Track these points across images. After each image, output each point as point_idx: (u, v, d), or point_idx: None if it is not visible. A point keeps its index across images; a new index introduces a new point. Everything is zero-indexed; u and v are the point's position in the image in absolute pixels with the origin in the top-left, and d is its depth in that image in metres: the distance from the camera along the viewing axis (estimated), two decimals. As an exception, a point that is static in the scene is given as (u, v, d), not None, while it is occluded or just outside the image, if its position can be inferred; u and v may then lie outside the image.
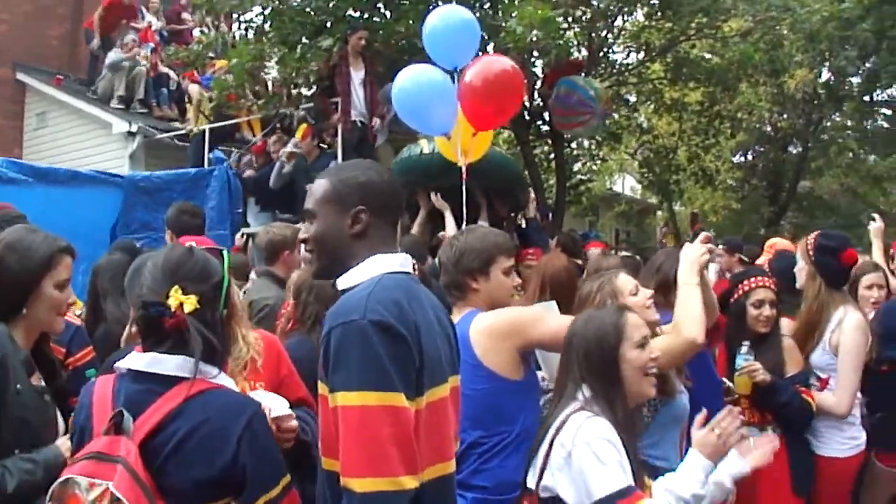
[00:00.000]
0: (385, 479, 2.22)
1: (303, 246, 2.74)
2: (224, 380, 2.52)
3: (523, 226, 8.64)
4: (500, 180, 7.91)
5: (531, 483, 3.09)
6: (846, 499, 4.83)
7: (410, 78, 6.50)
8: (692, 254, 3.81)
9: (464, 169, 6.86)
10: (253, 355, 3.24)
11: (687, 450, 3.12)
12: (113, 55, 15.31)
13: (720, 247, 8.40)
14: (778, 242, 8.18)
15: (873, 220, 6.38)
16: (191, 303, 2.41)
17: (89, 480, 2.25)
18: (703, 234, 4.00)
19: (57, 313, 3.11)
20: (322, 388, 2.40)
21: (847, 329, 4.73)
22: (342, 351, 2.29)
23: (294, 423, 2.98)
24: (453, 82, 6.61)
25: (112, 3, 15.73)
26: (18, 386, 2.83)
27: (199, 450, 2.35)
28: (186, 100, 14.52)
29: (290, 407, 3.11)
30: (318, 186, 2.60)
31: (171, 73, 15.67)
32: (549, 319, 3.72)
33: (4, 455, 2.76)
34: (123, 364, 2.47)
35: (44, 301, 3.04)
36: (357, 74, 10.78)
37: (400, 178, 6.58)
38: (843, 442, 4.79)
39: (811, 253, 4.93)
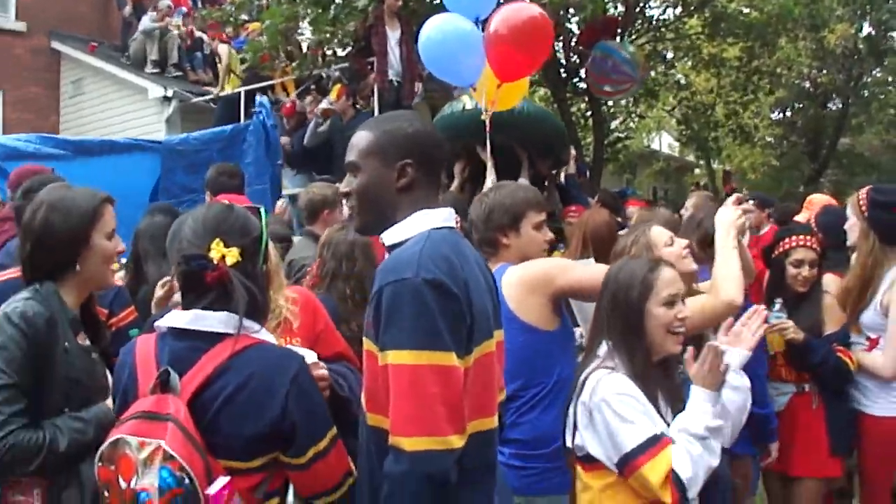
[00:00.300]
0: (434, 437, 2.22)
1: (344, 203, 2.69)
2: (266, 335, 2.51)
3: (564, 183, 8.55)
4: (542, 136, 7.76)
5: (568, 442, 3.13)
6: (893, 458, 4.69)
7: (437, 27, 6.36)
8: (728, 217, 3.74)
9: (487, 122, 6.69)
10: (286, 315, 3.23)
11: None
12: (146, 21, 15.37)
13: (750, 202, 8.28)
14: (816, 198, 8.01)
15: None
16: (233, 255, 2.39)
17: (139, 440, 2.25)
18: (734, 196, 3.92)
19: (108, 265, 3.08)
20: (369, 344, 2.38)
21: None
22: (394, 309, 2.26)
23: (323, 371, 2.96)
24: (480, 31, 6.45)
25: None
26: (67, 344, 2.81)
27: (248, 405, 2.34)
28: (217, 61, 14.53)
29: (328, 361, 3.11)
30: (362, 138, 2.54)
31: (205, 37, 15.70)
32: (578, 268, 3.72)
33: (54, 414, 2.75)
34: (164, 322, 2.46)
35: (96, 254, 3.00)
36: (393, 34, 10.74)
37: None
38: (891, 400, 4.64)
39: (864, 208, 4.77)
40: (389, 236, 2.50)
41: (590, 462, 3.06)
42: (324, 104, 11.01)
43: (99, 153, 9.45)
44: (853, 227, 4.83)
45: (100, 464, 2.32)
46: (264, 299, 2.56)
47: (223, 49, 13.99)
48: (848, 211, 4.91)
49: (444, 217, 2.50)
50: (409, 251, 2.35)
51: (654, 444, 2.86)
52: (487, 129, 6.67)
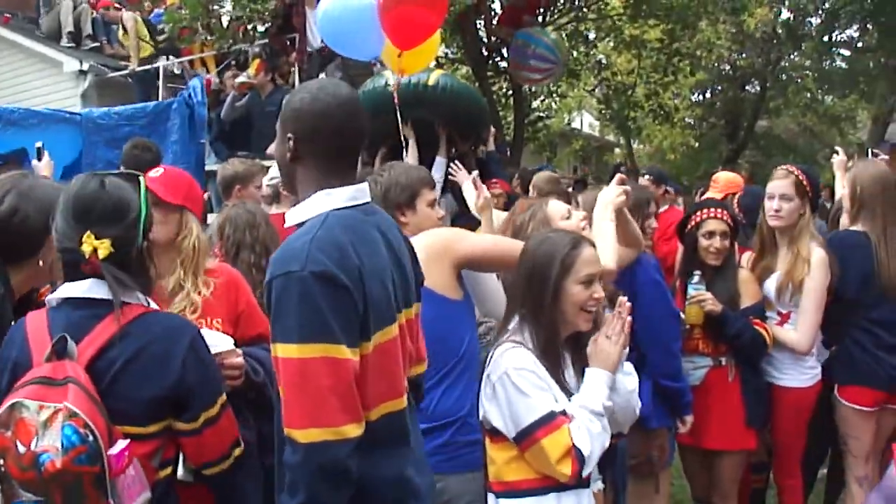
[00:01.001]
0: (327, 428, 2.21)
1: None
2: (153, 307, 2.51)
3: (485, 158, 8.61)
4: (464, 112, 7.76)
5: (481, 415, 3.13)
6: (804, 428, 4.83)
7: (333, 2, 6.28)
8: (607, 196, 3.84)
9: (395, 96, 6.69)
10: (206, 295, 3.18)
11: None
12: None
13: (646, 177, 8.44)
14: (721, 176, 8.19)
15: (836, 153, 6.29)
16: (104, 247, 2.36)
17: (38, 403, 2.22)
18: (617, 177, 4.02)
19: None
20: None
21: (812, 265, 4.74)
22: (282, 303, 2.25)
23: (238, 360, 2.96)
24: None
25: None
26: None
27: (147, 369, 2.36)
28: (120, 31, 14.17)
29: (248, 343, 3.11)
30: (283, 108, 2.54)
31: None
32: (476, 237, 3.77)
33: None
34: (58, 294, 2.45)
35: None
36: (312, 13, 10.63)
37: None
38: (803, 372, 4.75)
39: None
40: (291, 217, 2.48)
41: (495, 435, 3.06)
42: (241, 78, 10.89)
43: (17, 123, 9.22)
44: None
45: None
46: (146, 277, 2.53)
47: (128, 17, 13.62)
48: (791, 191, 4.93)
49: (346, 196, 2.44)
50: (300, 240, 2.31)
51: (548, 422, 2.87)
52: (395, 101, 6.65)
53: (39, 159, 5.22)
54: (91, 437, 2.20)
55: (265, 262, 4.10)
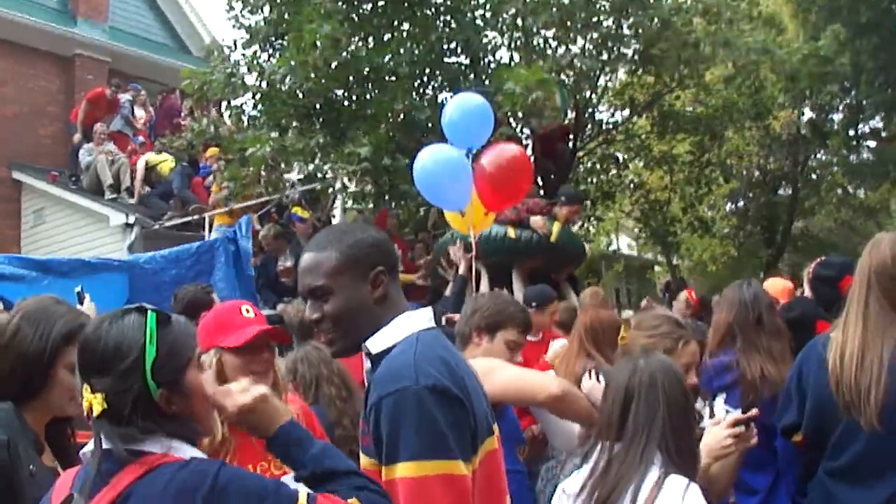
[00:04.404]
0: None
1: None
2: (190, 451, 2.23)
3: None
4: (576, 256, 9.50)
5: None
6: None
7: (430, 157, 6.84)
8: (712, 441, 3.35)
9: (473, 243, 7.25)
10: None
11: None
12: (84, 154, 15.59)
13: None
14: (771, 283, 7.77)
15: None
16: (98, 403, 2.13)
17: None
18: (731, 417, 3.50)
19: (71, 397, 2.75)
20: (368, 461, 2.31)
21: None
22: (398, 420, 2.18)
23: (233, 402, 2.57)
24: (469, 162, 6.97)
25: (96, 96, 15.94)
26: (32, 468, 2.60)
27: None
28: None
29: None
30: (323, 259, 2.42)
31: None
32: (504, 373, 3.75)
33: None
34: (87, 448, 2.23)
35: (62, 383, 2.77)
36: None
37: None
38: None
39: (810, 278, 4.86)
40: (375, 344, 2.40)
41: None
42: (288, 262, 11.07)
43: (66, 273, 9.22)
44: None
45: None
46: (177, 424, 2.23)
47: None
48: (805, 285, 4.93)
49: (427, 317, 2.44)
50: (401, 357, 2.27)
51: None
52: (473, 248, 7.24)
53: (81, 303, 5.18)
54: None
55: (346, 394, 4.17)
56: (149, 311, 2.23)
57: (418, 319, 2.42)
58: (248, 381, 2.45)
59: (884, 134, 23.70)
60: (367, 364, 2.47)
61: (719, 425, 3.29)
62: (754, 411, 3.31)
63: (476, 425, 2.30)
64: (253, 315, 3.26)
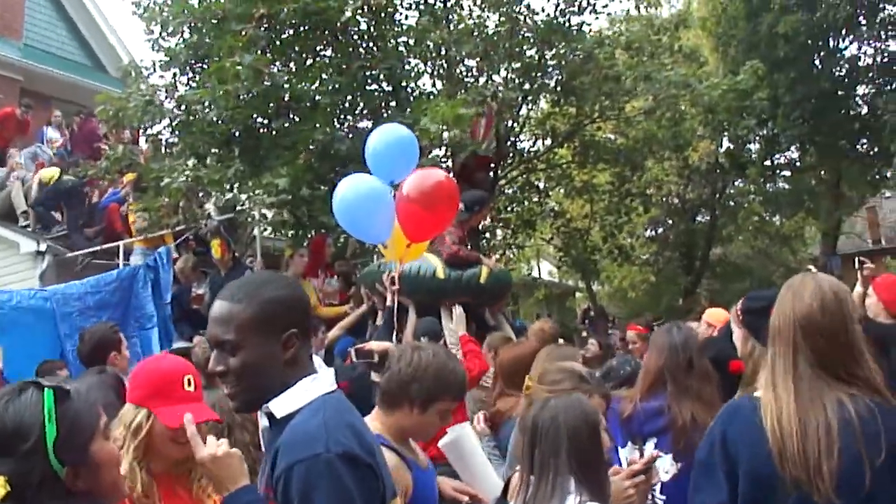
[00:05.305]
0: None
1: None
2: None
3: None
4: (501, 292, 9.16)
5: None
6: None
7: (350, 188, 6.50)
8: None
9: (396, 278, 7.17)
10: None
11: None
12: (-1, 175, 15.00)
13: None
14: (710, 314, 7.72)
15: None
16: (1, 486, 2.03)
17: None
18: (627, 469, 3.54)
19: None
20: None
21: None
22: (310, 488, 2.13)
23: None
24: (392, 194, 6.68)
25: (5, 116, 15.57)
26: None
27: None
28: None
29: None
30: (235, 312, 2.32)
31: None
32: None
33: None
34: None
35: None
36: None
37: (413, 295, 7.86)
38: None
39: (740, 317, 4.78)
40: (279, 407, 2.32)
41: None
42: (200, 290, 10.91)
43: None
44: (737, 338, 4.76)
45: None
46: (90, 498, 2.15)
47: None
48: (732, 324, 4.86)
49: (330, 381, 2.39)
50: (311, 423, 2.22)
51: None
52: (397, 284, 7.15)
53: None
54: None
55: (259, 440, 4.01)
56: (45, 389, 2.15)
57: (322, 383, 2.37)
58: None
59: (798, 165, 24.35)
60: (264, 422, 2.40)
61: (619, 476, 3.37)
62: (654, 452, 3.52)
63: (384, 491, 2.28)
64: (193, 388, 3.02)
